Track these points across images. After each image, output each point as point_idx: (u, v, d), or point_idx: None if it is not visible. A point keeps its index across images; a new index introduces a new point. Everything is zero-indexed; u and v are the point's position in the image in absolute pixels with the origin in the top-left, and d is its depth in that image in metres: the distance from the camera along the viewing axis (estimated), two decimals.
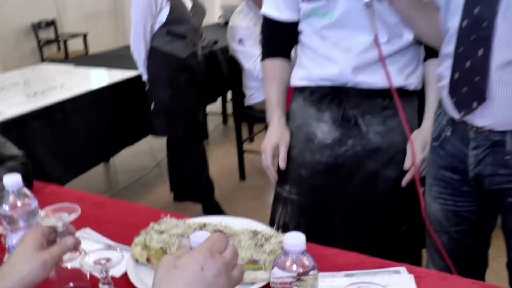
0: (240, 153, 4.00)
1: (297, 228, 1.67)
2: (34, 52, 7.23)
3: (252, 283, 1.04)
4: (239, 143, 3.96)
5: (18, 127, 2.55)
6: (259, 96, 3.63)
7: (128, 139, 3.50)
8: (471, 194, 1.35)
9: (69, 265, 1.02)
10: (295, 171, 1.66)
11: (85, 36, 7.48)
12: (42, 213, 1.05)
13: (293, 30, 1.65)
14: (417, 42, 1.55)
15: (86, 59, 4.51)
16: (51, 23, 7.39)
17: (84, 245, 1.10)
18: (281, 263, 0.81)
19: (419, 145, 1.54)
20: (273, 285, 0.83)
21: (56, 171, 2.77)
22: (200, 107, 3.36)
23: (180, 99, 3.08)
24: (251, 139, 4.68)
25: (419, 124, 1.61)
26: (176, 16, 2.97)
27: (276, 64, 1.73)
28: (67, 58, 6.85)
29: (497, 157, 1.23)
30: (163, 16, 2.94)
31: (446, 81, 1.27)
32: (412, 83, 1.57)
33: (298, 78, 1.66)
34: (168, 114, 3.10)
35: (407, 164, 1.56)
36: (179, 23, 2.99)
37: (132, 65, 3.18)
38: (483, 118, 1.21)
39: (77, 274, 1.03)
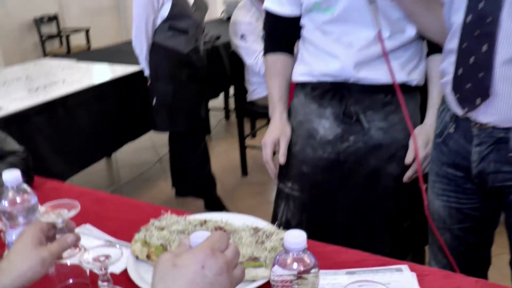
0: (242, 148, 3.99)
1: (299, 224, 1.67)
2: (36, 47, 7.23)
3: (253, 281, 1.04)
4: (241, 139, 3.95)
5: (20, 122, 2.55)
6: (261, 91, 3.62)
7: (130, 134, 3.50)
8: (474, 191, 1.34)
9: (68, 262, 1.01)
10: (297, 168, 1.65)
11: (87, 31, 7.47)
12: (42, 209, 1.04)
13: (295, 25, 1.64)
14: (420, 37, 1.53)
15: (88, 54, 4.50)
16: (53, 18, 7.38)
17: (84, 241, 1.10)
18: (282, 261, 0.80)
19: (421, 141, 1.53)
20: (273, 283, 0.82)
21: (57, 166, 2.76)
22: (202, 103, 3.35)
23: (182, 94, 3.08)
24: (253, 134, 4.67)
25: (421, 120, 1.60)
26: (178, 11, 2.95)
27: (278, 59, 1.72)
28: (69, 53, 6.84)
29: (501, 154, 1.22)
30: (165, 11, 2.93)
31: (449, 77, 1.26)
32: (415, 78, 1.56)
33: (300, 74, 1.65)
34: (170, 109, 3.09)
35: (408, 158, 1.55)
36: (181, 18, 2.98)
37: (134, 60, 3.17)
38: (487, 114, 1.19)
39: (76, 270, 1.03)
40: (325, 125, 1.59)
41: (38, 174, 1.62)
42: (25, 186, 1.06)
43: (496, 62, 1.13)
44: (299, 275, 0.79)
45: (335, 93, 1.58)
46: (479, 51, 1.15)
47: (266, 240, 1.12)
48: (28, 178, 1.52)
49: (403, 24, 1.49)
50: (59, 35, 7.41)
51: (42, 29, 7.18)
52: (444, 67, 1.30)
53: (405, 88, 1.54)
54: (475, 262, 1.49)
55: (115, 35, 7.93)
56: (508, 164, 1.22)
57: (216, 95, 4.56)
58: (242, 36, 3.50)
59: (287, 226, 1.68)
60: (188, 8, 3.02)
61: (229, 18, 3.97)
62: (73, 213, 0.99)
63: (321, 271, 0.90)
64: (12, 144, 1.55)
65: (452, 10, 1.24)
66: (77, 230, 1.07)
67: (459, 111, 1.26)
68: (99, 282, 0.92)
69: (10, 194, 1.04)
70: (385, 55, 1.49)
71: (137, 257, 1.13)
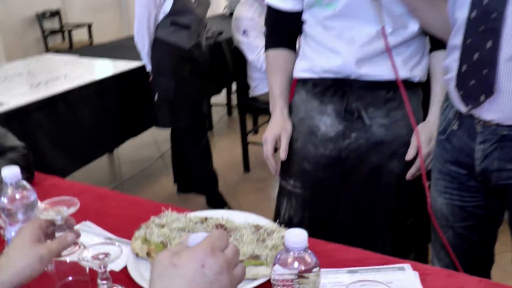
0: (245, 144, 3.98)
1: (301, 221, 1.66)
2: (38, 42, 7.22)
3: (254, 279, 1.03)
4: (243, 135, 3.94)
5: (21, 118, 2.54)
6: (263, 87, 3.61)
7: (132, 130, 3.50)
8: (478, 189, 1.33)
9: (68, 259, 1.00)
10: (299, 165, 1.64)
11: (89, 26, 7.47)
12: (41, 205, 1.04)
13: (297, 20, 1.63)
14: (422, 33, 1.52)
15: (91, 50, 4.50)
16: (56, 13, 7.37)
17: (84, 238, 1.09)
18: (283, 260, 0.79)
19: (424, 138, 1.52)
20: (274, 282, 0.81)
21: (59, 162, 2.76)
22: (204, 98, 3.34)
23: (184, 90, 3.07)
24: (255, 131, 4.66)
25: (423, 117, 1.59)
26: (180, 6, 2.94)
27: (279, 54, 1.71)
28: (71, 49, 6.84)
29: (505, 152, 1.21)
30: (167, 7, 2.92)
31: (453, 74, 1.24)
32: (417, 75, 1.55)
33: (301, 70, 1.64)
34: (172, 105, 3.08)
35: (409, 155, 1.54)
36: (183, 14, 2.97)
37: (136, 55, 3.16)
38: (491, 111, 1.18)
39: (76, 268, 1.02)
40: (327, 122, 1.58)
41: (39, 170, 1.62)
42: (24, 182, 1.05)
43: (501, 59, 1.12)
44: (300, 275, 0.78)
45: (337, 89, 1.56)
46: (484, 47, 1.14)
47: (267, 238, 1.11)
48: (28, 174, 1.52)
49: (405, 20, 1.48)
50: (61, 30, 7.41)
51: (44, 24, 7.17)
52: (448, 63, 1.28)
53: (408, 84, 1.53)
54: (478, 261, 1.48)
55: (118, 31, 7.92)
56: None
57: (218, 91, 4.55)
58: (244, 32, 3.49)
59: (289, 223, 1.67)
60: (190, 3, 3.01)
61: (231, 14, 3.96)
62: (72, 210, 0.98)
63: (323, 270, 0.89)
64: (12, 140, 1.54)
65: (456, 5, 1.22)
66: (77, 227, 1.06)
67: (462, 108, 1.25)
68: (98, 281, 0.91)
69: (9, 190, 1.03)
70: (388, 50, 1.48)
71: (137, 255, 1.13)
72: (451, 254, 1.40)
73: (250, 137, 4.07)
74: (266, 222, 1.22)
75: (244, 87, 3.84)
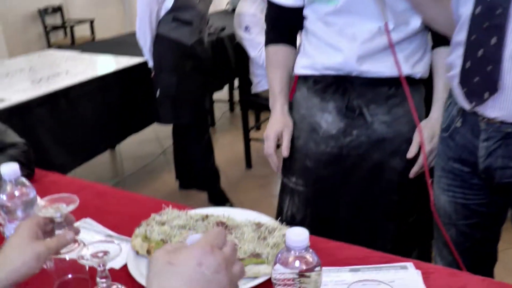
0: (247, 141, 3.98)
1: (304, 219, 1.66)
2: (40, 38, 7.22)
3: (255, 277, 1.02)
4: (246, 131, 3.93)
5: (23, 114, 2.54)
6: (266, 83, 3.59)
7: (134, 126, 3.49)
8: (481, 187, 1.32)
9: (67, 257, 1.00)
10: (300, 162, 1.63)
11: (92, 22, 7.46)
12: (41, 203, 1.03)
13: (298, 16, 1.61)
14: (424, 29, 1.51)
15: (93, 45, 4.49)
16: (58, 9, 7.37)
17: (84, 235, 1.09)
18: (284, 259, 0.78)
19: (426, 135, 1.51)
20: (275, 282, 0.80)
21: (60, 158, 2.76)
22: (206, 94, 3.33)
23: (186, 86, 3.06)
24: (257, 127, 4.65)
25: (426, 114, 1.57)
26: (182, 2, 2.93)
27: (279, 50, 1.69)
28: (73, 44, 6.84)
29: (509, 150, 1.19)
30: (169, 2, 2.91)
31: (457, 70, 1.23)
32: (419, 71, 1.54)
33: (302, 67, 1.63)
34: (174, 101, 3.08)
35: (411, 152, 1.53)
36: (185, 10, 2.96)
37: (138, 51, 3.15)
38: (495, 109, 1.17)
39: (75, 265, 1.01)
40: (328, 119, 1.57)
41: (41, 166, 1.61)
42: (24, 179, 1.05)
43: (505, 55, 1.11)
44: (301, 274, 0.77)
45: (338, 86, 1.55)
46: (488, 44, 1.12)
47: (269, 236, 1.10)
48: (29, 170, 1.51)
49: (407, 16, 1.47)
50: (63, 26, 7.41)
51: (47, 20, 7.17)
52: (452, 60, 1.27)
53: (410, 80, 1.52)
54: (481, 259, 1.46)
55: (120, 26, 7.91)
56: None
57: (220, 87, 4.54)
58: (247, 28, 3.47)
59: (292, 220, 1.67)
60: None
61: (234, 10, 3.94)
62: (71, 207, 0.97)
63: (324, 268, 0.88)
64: (12, 137, 1.54)
65: (460, 1, 1.21)
66: (77, 224, 1.06)
67: (466, 105, 1.23)
68: (97, 279, 0.90)
69: (9, 187, 1.02)
70: (391, 47, 1.47)
71: (137, 252, 1.12)
72: (454, 252, 1.39)
73: (252, 134, 4.06)
74: (267, 220, 1.21)
75: (246, 83, 3.83)
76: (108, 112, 3.17)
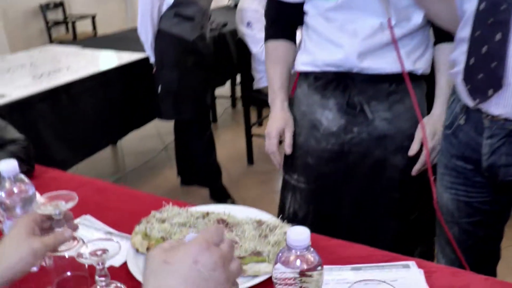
0: (249, 137, 3.97)
1: (306, 216, 1.65)
2: (42, 33, 7.20)
3: (255, 276, 1.01)
4: (248, 127, 3.92)
5: (23, 110, 2.53)
6: None
7: (136, 122, 3.48)
8: (484, 185, 1.31)
9: (66, 254, 0.99)
10: (302, 159, 1.62)
11: (93, 18, 7.45)
12: (40, 200, 1.02)
13: (298, 11, 1.60)
14: (426, 25, 1.49)
15: (94, 41, 4.47)
16: (60, 4, 7.35)
17: (83, 232, 1.08)
18: (285, 258, 0.77)
19: (428, 132, 1.50)
20: (275, 281, 0.79)
21: (61, 154, 2.75)
22: (208, 90, 3.32)
23: (187, 81, 3.05)
24: (259, 123, 4.64)
25: (427, 110, 1.56)
26: None
27: (279, 45, 1.68)
28: (75, 40, 6.82)
29: None
30: None
31: (460, 67, 1.22)
32: (421, 67, 1.52)
33: (302, 63, 1.61)
34: (176, 97, 3.07)
35: (412, 149, 1.52)
36: (187, 5, 2.95)
37: (140, 47, 3.14)
38: (499, 106, 1.15)
39: (75, 263, 1.00)
40: (329, 116, 1.56)
41: (42, 162, 1.60)
42: (23, 176, 1.04)
43: (510, 52, 1.09)
44: (303, 273, 0.76)
45: (339, 83, 1.54)
46: (492, 40, 1.11)
47: (270, 234, 1.09)
48: (29, 167, 1.50)
49: (409, 12, 1.45)
50: (65, 21, 7.39)
51: (48, 16, 7.15)
52: (455, 56, 1.26)
53: (411, 77, 1.50)
54: (484, 257, 1.45)
55: (122, 22, 7.89)
56: None
57: (222, 83, 4.53)
58: (248, 24, 3.46)
59: (294, 217, 1.66)
60: None
61: (236, 5, 3.93)
62: (70, 205, 0.96)
63: (326, 267, 0.87)
64: (12, 133, 1.53)
65: None
66: (77, 221, 1.05)
67: (470, 102, 1.22)
68: (96, 277, 0.89)
69: (7, 184, 1.02)
70: (394, 42, 1.45)
71: (137, 250, 1.11)
72: (456, 250, 1.38)
73: (254, 130, 4.05)
74: (268, 217, 1.20)
75: (248, 79, 3.81)
76: (110, 108, 3.16)
